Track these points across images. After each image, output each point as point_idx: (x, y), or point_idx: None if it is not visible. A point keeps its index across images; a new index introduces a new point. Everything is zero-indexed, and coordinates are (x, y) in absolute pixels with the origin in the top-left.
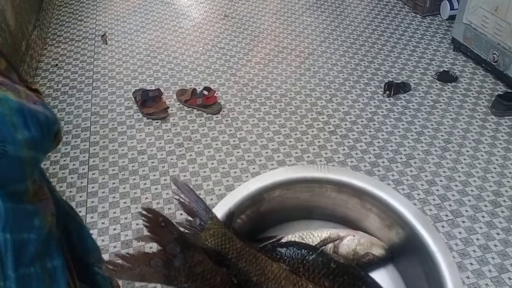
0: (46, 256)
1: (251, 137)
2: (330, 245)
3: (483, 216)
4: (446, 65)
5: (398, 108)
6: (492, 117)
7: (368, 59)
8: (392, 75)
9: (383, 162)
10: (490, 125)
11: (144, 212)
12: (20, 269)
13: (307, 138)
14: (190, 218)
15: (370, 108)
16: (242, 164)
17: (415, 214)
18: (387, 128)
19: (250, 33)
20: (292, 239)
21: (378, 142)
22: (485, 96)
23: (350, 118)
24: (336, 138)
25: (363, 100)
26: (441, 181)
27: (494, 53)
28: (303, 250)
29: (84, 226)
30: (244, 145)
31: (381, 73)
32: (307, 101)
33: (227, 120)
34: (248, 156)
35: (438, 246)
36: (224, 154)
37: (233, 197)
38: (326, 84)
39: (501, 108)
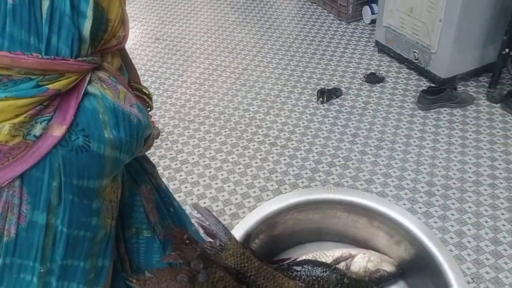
0: (100, 255)
1: (193, 158)
2: (342, 264)
3: (419, 207)
4: (373, 67)
5: (332, 113)
6: (419, 111)
7: (300, 68)
8: (323, 82)
9: (322, 167)
10: (418, 120)
11: (170, 232)
12: (69, 259)
13: (248, 152)
14: (211, 240)
15: (306, 116)
16: (186, 187)
17: (422, 229)
18: (323, 133)
19: (183, 54)
20: (306, 258)
21: (316, 148)
22: (411, 93)
23: (288, 128)
24: (277, 149)
25: (298, 109)
26: (378, 178)
27: (414, 52)
28: (317, 268)
29: (155, 240)
30: (187, 167)
31: (313, 81)
32: (245, 116)
33: (166, 144)
34: (192, 178)
35: (444, 258)
36: (167, 179)
37: (250, 219)
38: (262, 97)
39: (426, 102)
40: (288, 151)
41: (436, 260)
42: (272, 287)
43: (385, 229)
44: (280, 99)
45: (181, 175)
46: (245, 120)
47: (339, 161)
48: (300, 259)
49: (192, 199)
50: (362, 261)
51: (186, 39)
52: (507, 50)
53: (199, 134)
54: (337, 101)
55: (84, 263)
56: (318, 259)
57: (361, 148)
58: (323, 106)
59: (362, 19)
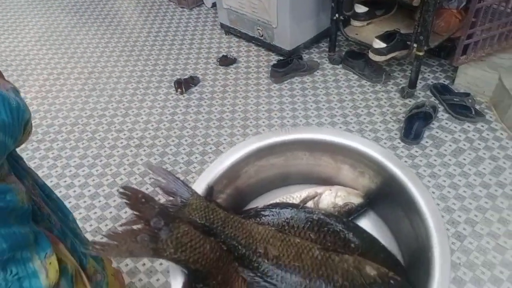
0: (26, 223)
1: (51, 181)
2: (310, 203)
3: None
4: (223, 49)
5: (194, 102)
6: (274, 85)
7: (151, 62)
8: (178, 72)
9: (196, 158)
10: (274, 93)
11: (122, 191)
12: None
13: (114, 160)
14: (171, 198)
15: (168, 110)
16: None
17: (384, 154)
18: (189, 124)
19: (16, 68)
20: (274, 202)
21: (186, 140)
22: (263, 69)
23: (152, 125)
24: (145, 150)
25: (159, 104)
26: None
27: (258, 29)
28: (285, 210)
29: (53, 230)
30: None
31: (168, 72)
32: (102, 122)
33: None
34: None
35: (408, 177)
36: None
37: (209, 173)
38: (117, 99)
39: (278, 75)
40: (157, 150)
41: (401, 181)
42: (241, 234)
43: (349, 162)
44: (137, 97)
45: None
46: (103, 127)
47: (210, 148)
48: (267, 204)
49: None
50: (329, 198)
51: (16, 51)
52: (337, 15)
53: (53, 153)
54: (196, 89)
55: (17, 229)
56: (285, 202)
57: (229, 131)
58: (184, 96)
59: (203, 3)
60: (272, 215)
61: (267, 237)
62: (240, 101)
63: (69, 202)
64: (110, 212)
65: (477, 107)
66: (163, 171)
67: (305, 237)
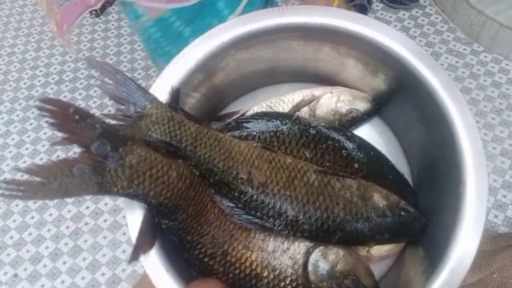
0: None
1: None
2: (305, 109)
3: None
4: None
5: (113, 24)
6: None
7: None
8: None
9: None
10: None
11: (41, 104)
12: None
13: (34, 102)
14: (121, 107)
15: (86, 37)
16: None
17: (407, 45)
18: (112, 50)
19: None
20: (259, 111)
21: None
22: None
23: (70, 57)
24: (67, 86)
25: (74, 31)
26: None
27: None
28: (274, 121)
29: None
30: None
31: None
32: (13, 61)
33: None
34: None
35: (440, 80)
36: None
37: (174, 70)
38: (26, 32)
39: None
40: (81, 83)
41: (430, 86)
42: (218, 155)
43: (356, 55)
44: (48, 27)
45: None
46: (15, 66)
47: (139, 73)
48: (251, 112)
49: None
50: (330, 103)
51: None
52: None
53: None
54: (113, 9)
55: None
56: (275, 108)
57: None
58: (100, 19)
59: None
60: (258, 127)
61: (251, 158)
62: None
63: None
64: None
65: None
66: (110, 68)
67: (298, 156)
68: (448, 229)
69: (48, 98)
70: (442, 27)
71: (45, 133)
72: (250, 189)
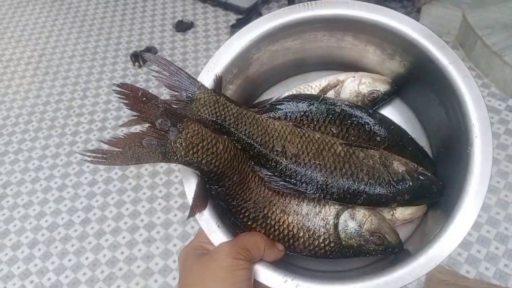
0: None
1: (16, 177)
2: (331, 92)
3: None
4: (179, 14)
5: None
6: None
7: (104, 36)
8: (134, 44)
9: None
10: None
11: (118, 89)
12: None
13: (78, 147)
14: (175, 93)
15: None
16: (19, 212)
17: (420, 31)
18: None
19: None
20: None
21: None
22: (223, 30)
23: (113, 105)
24: (109, 133)
25: (117, 81)
26: None
27: None
28: (303, 102)
29: None
30: (11, 189)
31: (123, 45)
32: (60, 108)
33: None
34: (22, 200)
35: (448, 57)
36: None
37: (216, 62)
38: (73, 81)
39: None
40: (122, 131)
41: (439, 63)
42: (256, 131)
43: (375, 42)
44: (94, 77)
45: (8, 201)
46: (61, 113)
47: None
48: (283, 96)
49: (30, 223)
50: (353, 86)
51: None
52: None
53: (13, 147)
54: None
55: None
56: (303, 93)
57: None
58: (142, 70)
59: None
60: (289, 108)
61: (285, 134)
62: (202, 68)
63: (37, 197)
64: (81, 203)
65: None
66: (164, 61)
67: (326, 132)
68: (460, 185)
69: (122, 83)
70: (476, 82)
71: (86, 178)
72: (284, 160)
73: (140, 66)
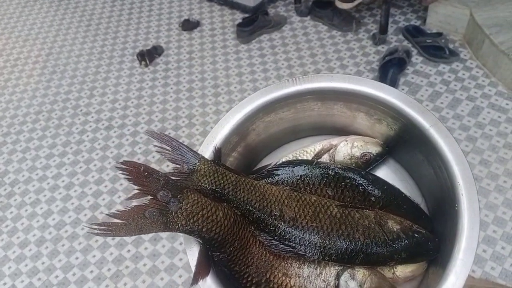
0: None
1: (23, 175)
2: (325, 156)
3: None
4: (185, 13)
5: (160, 74)
6: (242, 46)
7: (111, 35)
8: (140, 43)
9: (169, 133)
10: (243, 54)
11: (121, 166)
12: None
13: (85, 146)
14: (177, 166)
15: (135, 85)
16: (26, 210)
17: (402, 99)
18: (158, 98)
19: None
20: (285, 160)
21: (157, 116)
22: (229, 29)
23: (120, 104)
24: (115, 132)
25: (124, 80)
26: None
27: None
28: (299, 167)
29: None
30: (19, 187)
31: (130, 45)
32: (68, 107)
33: None
34: (29, 198)
35: (429, 121)
36: None
37: (215, 134)
38: (80, 80)
39: (244, 35)
40: (128, 129)
41: (421, 127)
42: (255, 197)
43: (364, 109)
44: (101, 76)
45: (15, 199)
46: (68, 112)
47: (183, 121)
48: (279, 162)
49: (38, 221)
50: (345, 149)
51: None
52: None
53: (21, 146)
54: (161, 59)
55: None
56: (299, 158)
57: (200, 101)
58: (149, 69)
59: None
60: (286, 173)
61: (282, 198)
62: (208, 67)
63: (44, 196)
64: (88, 201)
65: (451, 46)
66: (165, 137)
67: (321, 195)
68: (452, 241)
69: (125, 161)
70: (483, 81)
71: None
72: (282, 224)
73: (146, 65)
